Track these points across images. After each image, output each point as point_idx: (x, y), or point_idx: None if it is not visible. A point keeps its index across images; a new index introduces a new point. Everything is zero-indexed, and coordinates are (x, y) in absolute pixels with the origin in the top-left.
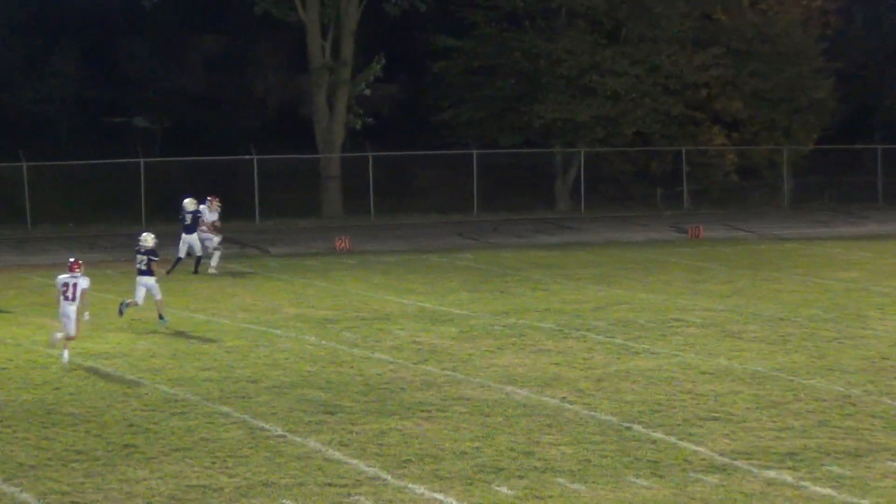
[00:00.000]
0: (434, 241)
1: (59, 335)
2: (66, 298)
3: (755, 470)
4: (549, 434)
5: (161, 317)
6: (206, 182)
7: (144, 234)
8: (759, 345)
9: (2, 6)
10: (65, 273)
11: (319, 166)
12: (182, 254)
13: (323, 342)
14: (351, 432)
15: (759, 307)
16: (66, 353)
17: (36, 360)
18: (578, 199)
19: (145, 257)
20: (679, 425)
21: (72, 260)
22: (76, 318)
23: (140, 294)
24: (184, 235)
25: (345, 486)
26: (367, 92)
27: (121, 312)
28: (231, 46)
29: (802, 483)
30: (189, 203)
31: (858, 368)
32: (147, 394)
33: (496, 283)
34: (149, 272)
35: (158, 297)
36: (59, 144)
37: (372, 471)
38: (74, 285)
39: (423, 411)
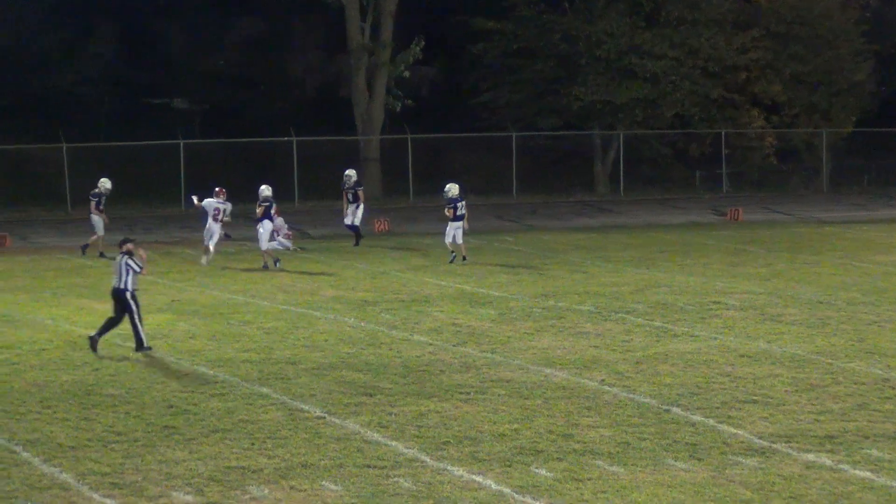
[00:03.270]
0: (473, 224)
1: (205, 258)
2: (216, 220)
3: (794, 453)
4: (587, 416)
5: None
6: (246, 163)
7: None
8: (798, 328)
9: None
10: (212, 199)
11: (359, 148)
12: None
13: (362, 324)
14: (390, 414)
15: (798, 290)
16: (205, 259)
17: (76, 342)
18: (617, 181)
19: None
20: (718, 408)
21: (217, 189)
22: (217, 236)
23: None
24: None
25: (384, 467)
26: (407, 74)
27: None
28: (269, 28)
29: (841, 466)
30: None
31: None
32: (186, 375)
33: (535, 266)
34: None
35: None
36: (98, 126)
37: (411, 452)
38: (225, 210)
39: (461, 393)
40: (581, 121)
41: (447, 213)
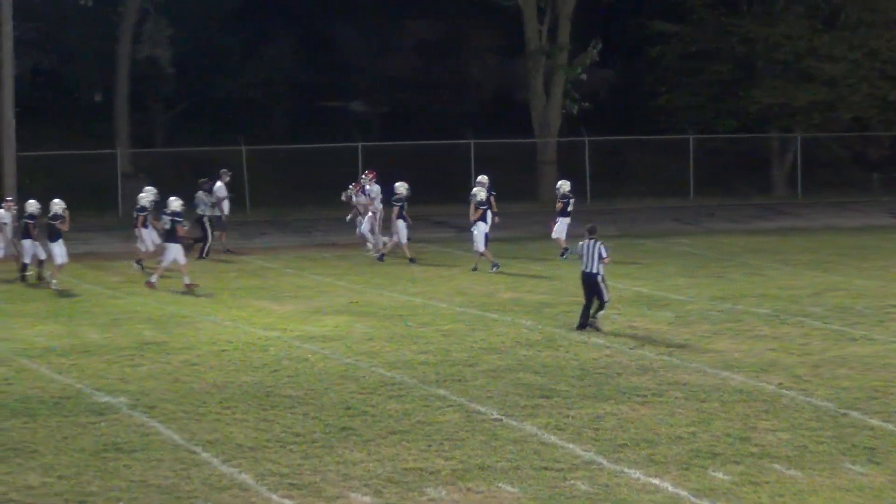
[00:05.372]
0: (650, 226)
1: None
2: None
3: None
4: (765, 420)
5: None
6: (423, 166)
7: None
8: None
9: None
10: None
11: (535, 151)
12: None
13: (539, 326)
14: (567, 416)
15: None
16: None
17: (255, 343)
18: (795, 184)
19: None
20: None
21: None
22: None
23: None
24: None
25: (560, 469)
26: (584, 76)
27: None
28: (446, 30)
29: None
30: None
31: None
32: (364, 377)
33: (712, 269)
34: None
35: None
36: (276, 129)
37: (588, 455)
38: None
39: (638, 396)
40: (758, 123)
41: (472, 216)
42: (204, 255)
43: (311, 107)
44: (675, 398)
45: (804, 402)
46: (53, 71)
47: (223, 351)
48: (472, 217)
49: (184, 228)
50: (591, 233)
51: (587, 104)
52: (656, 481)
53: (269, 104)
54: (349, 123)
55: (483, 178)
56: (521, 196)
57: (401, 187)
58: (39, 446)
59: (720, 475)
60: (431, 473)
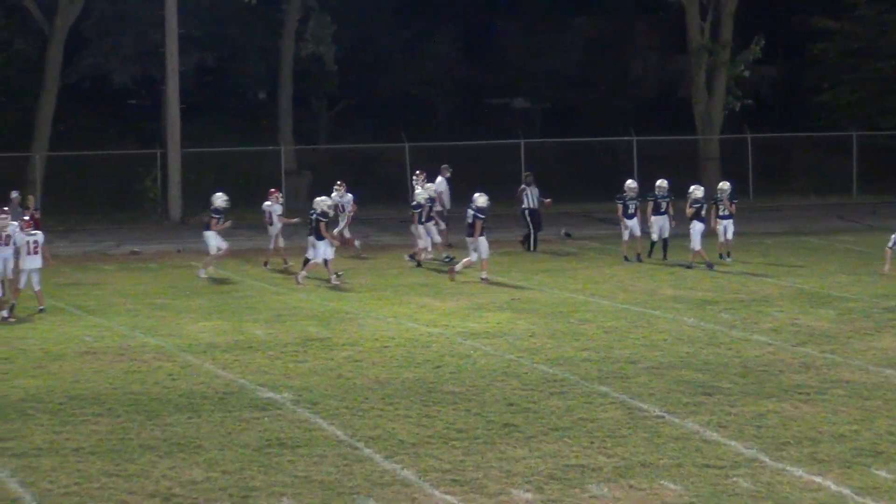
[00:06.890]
0: (813, 224)
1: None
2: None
3: None
4: None
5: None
6: (585, 162)
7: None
8: None
9: None
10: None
11: (698, 148)
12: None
13: (701, 323)
14: (729, 414)
15: None
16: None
17: (417, 339)
18: None
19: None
20: None
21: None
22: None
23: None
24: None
25: (723, 467)
26: (746, 73)
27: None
28: (608, 27)
29: None
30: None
31: None
32: (526, 373)
33: (876, 266)
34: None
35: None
36: (439, 126)
37: (750, 452)
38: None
39: (801, 394)
40: None
41: (688, 213)
42: (533, 248)
43: (473, 103)
44: (838, 396)
45: None
46: (218, 68)
47: (385, 347)
48: (688, 215)
49: (481, 224)
50: None
51: (750, 101)
52: (819, 479)
53: (431, 101)
54: (511, 120)
55: (662, 183)
56: (682, 194)
57: (662, 183)
58: (203, 441)
59: (883, 473)
60: (593, 470)
